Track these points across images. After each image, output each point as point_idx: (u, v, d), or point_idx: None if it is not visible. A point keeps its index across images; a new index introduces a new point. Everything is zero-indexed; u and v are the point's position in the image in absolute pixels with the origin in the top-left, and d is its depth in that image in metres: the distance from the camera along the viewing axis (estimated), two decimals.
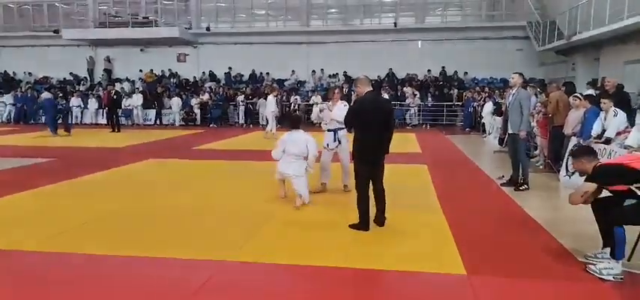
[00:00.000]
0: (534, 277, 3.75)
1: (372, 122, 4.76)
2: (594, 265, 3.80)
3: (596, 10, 13.82)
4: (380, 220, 4.96)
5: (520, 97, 6.73)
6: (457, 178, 8.09)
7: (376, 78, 20.97)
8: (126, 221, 5.34)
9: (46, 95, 16.37)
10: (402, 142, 11.98)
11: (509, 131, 6.92)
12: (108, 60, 24.13)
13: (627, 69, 12.89)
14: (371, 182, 4.90)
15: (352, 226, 4.85)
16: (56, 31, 23.26)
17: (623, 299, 3.36)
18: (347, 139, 6.05)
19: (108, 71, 24.10)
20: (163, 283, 3.65)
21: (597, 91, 9.10)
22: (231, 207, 5.95)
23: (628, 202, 3.71)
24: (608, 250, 3.85)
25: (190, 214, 5.58)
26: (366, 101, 4.94)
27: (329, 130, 6.59)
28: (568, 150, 7.41)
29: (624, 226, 3.66)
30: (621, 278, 3.64)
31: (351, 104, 5.95)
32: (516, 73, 6.96)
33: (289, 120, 7.13)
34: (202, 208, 5.88)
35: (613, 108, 6.71)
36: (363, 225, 4.80)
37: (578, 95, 7.86)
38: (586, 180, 3.92)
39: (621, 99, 7.19)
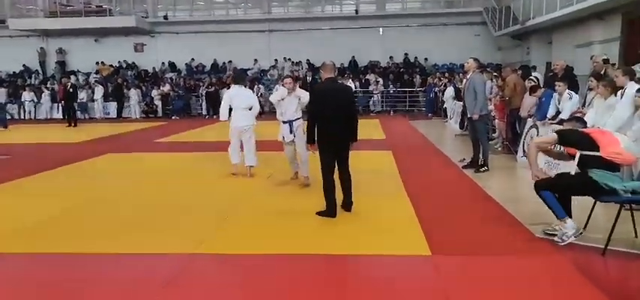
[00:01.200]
0: (495, 254, 3.90)
1: (331, 109, 4.77)
2: (556, 235, 3.99)
3: None
4: (347, 206, 5.01)
5: (474, 81, 6.92)
6: (421, 163, 8.27)
7: (339, 65, 21.07)
8: (85, 219, 5.15)
9: None
10: (367, 128, 12.06)
11: (468, 115, 7.11)
12: (60, 51, 23.04)
13: (578, 52, 13.47)
14: (337, 169, 4.92)
15: (319, 213, 4.87)
16: (2, 22, 21.96)
17: (578, 269, 3.53)
18: (303, 130, 6.04)
19: (61, 63, 23.03)
20: (129, 279, 3.56)
21: (549, 74, 9.51)
22: (196, 199, 5.85)
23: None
24: (562, 221, 4.04)
25: (154, 209, 5.45)
26: (323, 89, 5.00)
27: (284, 122, 6.38)
28: (525, 131, 7.70)
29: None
30: (581, 232, 3.90)
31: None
32: (471, 58, 7.16)
33: (233, 75, 7.48)
34: (166, 202, 5.76)
35: (567, 91, 7.00)
36: (330, 212, 4.83)
37: (534, 78, 8.16)
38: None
39: (570, 80, 7.54)
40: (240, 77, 6.91)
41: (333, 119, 4.77)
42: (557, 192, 4.00)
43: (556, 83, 7.24)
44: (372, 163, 7.94)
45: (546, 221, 4.28)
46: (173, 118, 18.73)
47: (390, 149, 9.31)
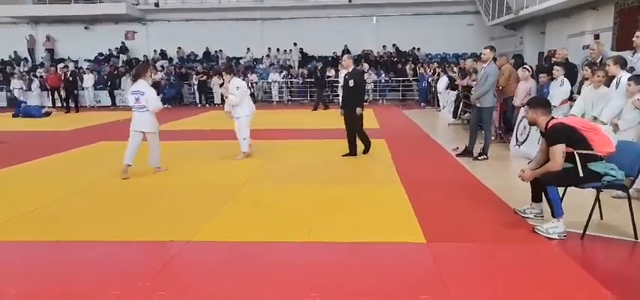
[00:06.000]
0: (489, 242, 3.95)
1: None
2: (541, 225, 4.05)
3: None
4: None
5: (488, 71, 6.93)
6: (414, 151, 8.30)
7: (332, 54, 20.99)
8: (79, 206, 5.12)
9: None
10: None
11: (477, 104, 7.12)
12: (48, 39, 22.69)
13: (570, 42, 13.55)
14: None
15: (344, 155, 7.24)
16: None
17: (568, 255, 3.61)
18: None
19: (50, 51, 22.70)
20: (122, 266, 3.56)
21: (545, 64, 9.55)
22: (189, 187, 5.83)
23: (565, 165, 3.92)
24: (536, 204, 4.34)
25: (147, 197, 5.43)
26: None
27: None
28: (518, 120, 7.75)
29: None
30: (565, 235, 3.91)
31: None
32: (488, 47, 7.11)
33: (134, 71, 7.36)
34: (159, 190, 5.74)
35: (561, 77, 7.04)
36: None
37: (527, 67, 8.19)
38: (542, 136, 4.18)
39: (569, 70, 7.58)
40: (136, 74, 6.65)
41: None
42: (563, 185, 4.10)
43: (555, 67, 7.26)
44: (370, 150, 7.97)
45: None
46: (165, 106, 18.53)
47: (383, 138, 9.32)
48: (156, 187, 5.89)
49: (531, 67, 8.30)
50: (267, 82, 20.18)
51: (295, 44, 21.67)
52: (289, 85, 20.13)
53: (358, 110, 7.19)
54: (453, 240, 3.97)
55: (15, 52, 22.79)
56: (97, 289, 3.14)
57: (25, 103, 16.78)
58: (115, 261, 3.68)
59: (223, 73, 7.38)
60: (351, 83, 7.22)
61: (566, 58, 7.77)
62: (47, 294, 3.12)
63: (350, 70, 7.41)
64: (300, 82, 20.04)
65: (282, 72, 20.27)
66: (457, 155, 7.43)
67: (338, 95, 15.09)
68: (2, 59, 22.69)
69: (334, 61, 19.59)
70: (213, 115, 15.01)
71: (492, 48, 7.16)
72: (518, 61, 9.05)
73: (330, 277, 3.30)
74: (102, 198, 5.46)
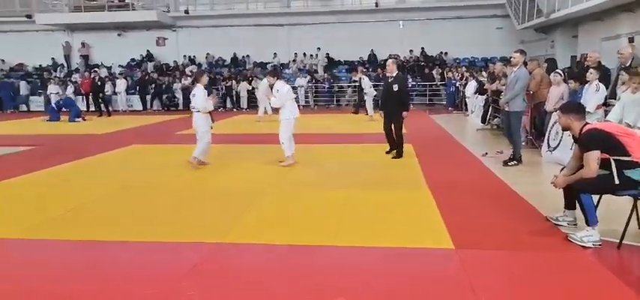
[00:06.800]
0: (520, 249, 3.86)
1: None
2: (575, 233, 3.93)
3: None
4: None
5: (518, 75, 6.80)
6: (442, 156, 8.20)
7: (358, 59, 20.97)
8: (112, 208, 5.28)
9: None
10: None
11: (506, 108, 7.00)
12: (83, 46, 23.49)
13: (604, 46, 13.13)
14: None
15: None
16: (29, 16, 22.49)
17: (603, 265, 3.49)
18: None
19: (85, 57, 23.50)
20: (151, 267, 3.66)
21: (577, 69, 9.29)
22: (217, 190, 5.94)
23: (600, 172, 3.80)
24: (570, 212, 4.23)
25: (178, 198, 5.55)
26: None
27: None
28: (550, 126, 7.57)
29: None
30: (600, 244, 3.78)
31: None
32: (518, 51, 6.97)
33: (273, 71, 7.85)
34: (188, 192, 5.86)
35: (595, 81, 6.84)
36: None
37: (559, 72, 8.00)
38: (576, 142, 4.07)
39: (603, 74, 7.35)
40: (279, 72, 7.68)
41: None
42: (598, 193, 3.98)
43: (589, 71, 7.06)
44: (392, 155, 7.94)
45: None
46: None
47: (410, 143, 9.24)
48: (188, 189, 6.01)
49: (564, 72, 8.09)
50: (294, 87, 20.31)
51: (319, 49, 21.74)
52: (314, 89, 20.20)
53: (404, 114, 7.55)
54: (481, 247, 3.90)
55: (52, 58, 23.70)
56: (133, 289, 3.24)
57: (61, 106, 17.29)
58: (147, 261, 3.78)
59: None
60: (396, 88, 7.55)
61: (598, 62, 7.54)
62: (85, 291, 3.23)
63: (394, 75, 7.70)
64: (326, 86, 20.09)
65: (307, 77, 20.39)
66: (504, 164, 7.09)
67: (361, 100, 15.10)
68: (40, 65, 23.62)
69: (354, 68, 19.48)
70: (240, 120, 15.20)
71: (522, 51, 7.02)
72: (552, 65, 8.83)
73: (357, 281, 3.30)
74: (135, 199, 5.61)
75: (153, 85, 19.95)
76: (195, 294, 3.14)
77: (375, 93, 14.28)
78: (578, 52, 15.21)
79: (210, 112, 7.20)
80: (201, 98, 7.02)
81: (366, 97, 14.44)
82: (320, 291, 3.16)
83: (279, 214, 4.92)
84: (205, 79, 7.48)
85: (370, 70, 19.87)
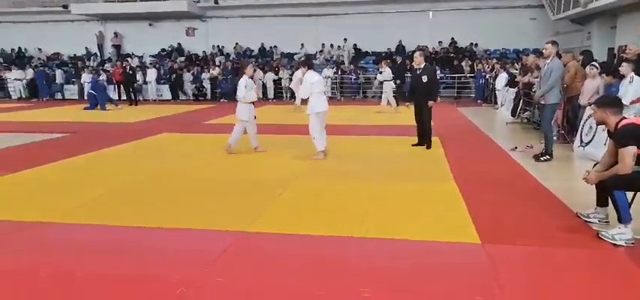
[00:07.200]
0: (549, 246, 3.78)
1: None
2: (606, 231, 3.83)
3: None
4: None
5: (552, 66, 6.64)
6: (470, 149, 8.09)
7: (386, 50, 20.77)
8: (142, 194, 5.45)
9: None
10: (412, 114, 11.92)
11: (542, 102, 6.85)
12: (116, 35, 24.12)
13: None
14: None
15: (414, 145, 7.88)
16: (65, 6, 23.21)
17: (636, 264, 3.39)
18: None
19: (117, 47, 24.13)
20: (182, 252, 3.75)
21: (613, 62, 8.96)
22: (245, 179, 6.03)
23: (635, 169, 3.68)
24: (601, 209, 4.12)
25: (207, 186, 5.67)
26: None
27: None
28: (583, 120, 7.35)
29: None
30: (632, 242, 3.67)
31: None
32: (549, 42, 6.78)
33: (306, 61, 7.77)
34: (217, 181, 5.97)
35: (631, 74, 6.60)
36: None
37: (596, 64, 7.74)
38: (610, 137, 3.94)
39: (638, 67, 7.07)
40: (311, 62, 7.65)
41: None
42: (632, 190, 3.86)
43: (622, 64, 6.81)
44: (418, 148, 7.88)
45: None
46: (221, 100, 19.21)
47: (438, 135, 9.14)
48: (217, 178, 6.13)
49: (600, 65, 7.82)
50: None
51: (345, 40, 21.63)
52: (340, 80, 20.14)
53: (430, 103, 7.74)
54: (509, 242, 3.85)
55: (86, 47, 24.41)
56: (163, 273, 3.35)
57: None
58: (176, 247, 3.88)
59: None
60: (425, 79, 7.72)
61: (639, 54, 7.24)
62: (121, 275, 3.36)
63: (422, 67, 7.87)
64: (353, 78, 20.00)
65: (334, 68, 20.33)
66: (535, 159, 6.93)
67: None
68: (75, 54, 24.38)
69: (388, 57, 19.30)
70: (270, 109, 15.33)
71: (554, 42, 6.81)
72: (588, 57, 8.55)
73: (381, 273, 3.31)
74: (167, 186, 5.76)
75: (174, 75, 20.27)
76: (223, 280, 3.22)
77: (394, 86, 14.28)
78: (616, 44, 14.65)
79: (252, 103, 7.46)
80: (241, 88, 7.31)
81: (383, 90, 14.42)
82: (344, 281, 3.19)
83: (305, 204, 4.96)
84: (251, 69, 7.66)
85: (398, 62, 19.59)
